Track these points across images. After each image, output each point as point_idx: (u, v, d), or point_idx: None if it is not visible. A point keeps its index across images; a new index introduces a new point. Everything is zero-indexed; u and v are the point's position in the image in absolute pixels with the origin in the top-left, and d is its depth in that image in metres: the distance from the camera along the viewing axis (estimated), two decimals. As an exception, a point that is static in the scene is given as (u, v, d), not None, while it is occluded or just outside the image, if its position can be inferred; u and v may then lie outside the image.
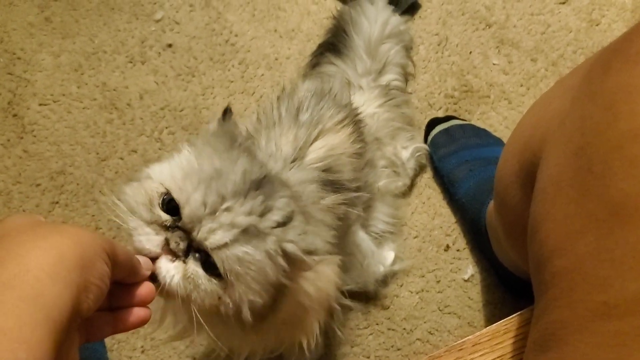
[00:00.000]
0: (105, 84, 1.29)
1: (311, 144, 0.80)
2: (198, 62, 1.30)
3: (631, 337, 0.42)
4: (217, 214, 0.55)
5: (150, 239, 0.57)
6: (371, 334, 1.06)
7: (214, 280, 0.57)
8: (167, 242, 0.57)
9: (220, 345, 0.69)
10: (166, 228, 0.57)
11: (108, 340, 1.07)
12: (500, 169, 0.69)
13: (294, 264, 0.60)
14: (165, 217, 0.57)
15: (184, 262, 0.57)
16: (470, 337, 0.61)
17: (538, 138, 0.57)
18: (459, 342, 0.61)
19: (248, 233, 0.56)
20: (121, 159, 1.22)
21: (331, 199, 0.74)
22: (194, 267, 0.57)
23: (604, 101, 0.47)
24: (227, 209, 0.56)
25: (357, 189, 0.83)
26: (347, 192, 0.78)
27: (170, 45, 1.31)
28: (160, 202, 0.58)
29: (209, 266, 0.57)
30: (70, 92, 1.29)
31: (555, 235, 0.49)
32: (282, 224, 0.59)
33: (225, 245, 0.55)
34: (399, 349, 1.05)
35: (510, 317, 0.63)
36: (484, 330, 0.61)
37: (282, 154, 0.76)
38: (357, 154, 0.85)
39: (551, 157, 0.52)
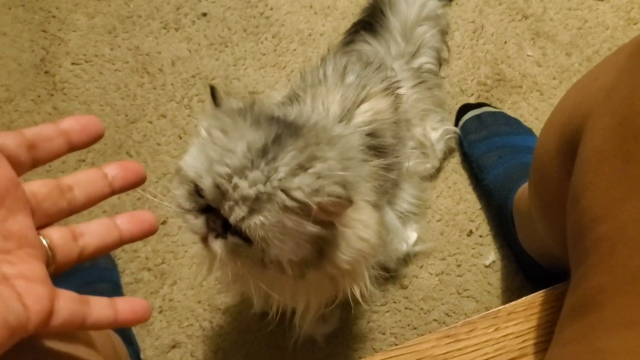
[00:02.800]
0: (138, 48, 1.29)
1: (358, 106, 0.81)
2: (231, 33, 1.30)
3: None
4: (229, 192, 0.60)
5: (194, 223, 0.64)
6: (388, 311, 1.06)
7: (252, 245, 0.62)
8: (208, 222, 0.64)
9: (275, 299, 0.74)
10: (207, 210, 0.63)
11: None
12: (540, 145, 0.69)
13: (323, 209, 0.60)
14: (200, 201, 0.63)
15: (225, 237, 0.63)
16: (506, 305, 0.61)
17: (582, 113, 0.57)
18: (494, 310, 0.61)
19: (260, 200, 0.59)
20: (150, 122, 1.22)
21: (375, 162, 0.75)
22: (232, 240, 0.63)
23: None
24: (235, 187, 0.59)
25: (395, 156, 0.84)
26: (388, 157, 0.79)
27: (205, 14, 1.32)
28: (195, 190, 0.63)
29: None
30: (102, 54, 1.29)
31: (598, 203, 0.50)
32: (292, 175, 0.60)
33: (243, 218, 0.60)
34: (415, 328, 1.05)
35: (547, 289, 0.63)
36: (520, 300, 0.62)
37: (330, 114, 0.77)
38: (396, 123, 0.86)
39: (596, 128, 0.52)
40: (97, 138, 0.45)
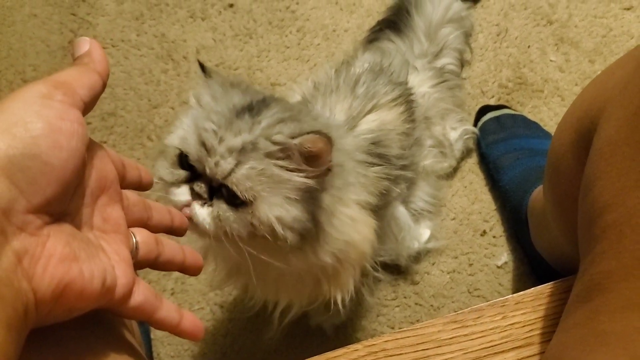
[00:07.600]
0: (164, 35, 1.31)
1: (364, 116, 0.82)
2: (257, 25, 1.31)
3: None
4: (215, 147, 0.60)
5: (177, 192, 0.64)
6: (398, 306, 1.06)
7: (239, 209, 0.62)
8: (192, 189, 0.63)
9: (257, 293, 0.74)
10: (190, 180, 0.64)
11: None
12: (556, 139, 0.69)
13: (305, 156, 0.61)
14: (182, 172, 0.64)
15: (211, 205, 0.63)
16: (514, 295, 0.61)
17: (597, 106, 0.57)
18: (502, 298, 0.62)
19: (246, 150, 0.60)
20: (172, 108, 1.24)
21: (375, 169, 0.76)
22: (218, 204, 0.62)
23: None
24: (220, 140, 0.60)
25: (402, 167, 0.85)
26: (392, 168, 0.80)
27: (231, 5, 1.33)
28: (178, 162, 0.64)
29: (234, 198, 0.61)
30: (129, 39, 1.31)
31: (608, 191, 0.50)
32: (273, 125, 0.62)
33: (232, 171, 0.60)
34: (424, 325, 1.05)
35: (556, 281, 0.63)
36: (529, 290, 0.62)
37: (334, 119, 0.79)
38: (406, 134, 0.87)
39: (610, 119, 0.53)
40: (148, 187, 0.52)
